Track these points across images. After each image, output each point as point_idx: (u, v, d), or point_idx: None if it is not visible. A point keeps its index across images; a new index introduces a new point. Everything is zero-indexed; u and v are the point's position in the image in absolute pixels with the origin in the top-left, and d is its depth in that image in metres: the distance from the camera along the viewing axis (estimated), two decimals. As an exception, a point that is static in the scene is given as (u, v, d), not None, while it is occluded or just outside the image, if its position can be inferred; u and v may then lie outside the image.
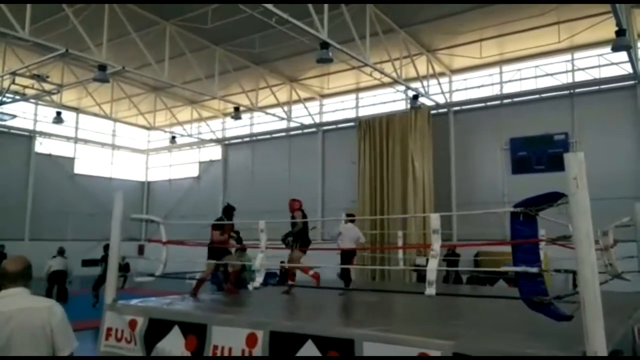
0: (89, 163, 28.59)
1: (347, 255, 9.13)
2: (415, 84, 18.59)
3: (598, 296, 3.50)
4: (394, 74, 16.90)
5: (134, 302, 6.52)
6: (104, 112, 23.95)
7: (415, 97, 18.68)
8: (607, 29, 14.08)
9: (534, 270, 4.05)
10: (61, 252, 15.59)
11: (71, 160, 27.74)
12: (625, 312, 6.09)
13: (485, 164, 19.29)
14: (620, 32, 12.79)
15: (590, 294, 3.48)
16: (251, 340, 5.03)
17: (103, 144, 29.33)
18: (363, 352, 4.36)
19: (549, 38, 16.77)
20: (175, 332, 5.62)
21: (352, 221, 9.84)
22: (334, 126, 23.71)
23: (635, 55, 15.87)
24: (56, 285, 14.98)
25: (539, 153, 17.95)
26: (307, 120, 23.95)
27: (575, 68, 18.13)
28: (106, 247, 13.60)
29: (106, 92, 22.67)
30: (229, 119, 26.12)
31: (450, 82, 20.66)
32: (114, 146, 29.88)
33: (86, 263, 18.31)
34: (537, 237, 4.42)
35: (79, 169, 27.98)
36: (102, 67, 15.53)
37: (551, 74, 18.46)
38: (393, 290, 8.92)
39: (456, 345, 4.00)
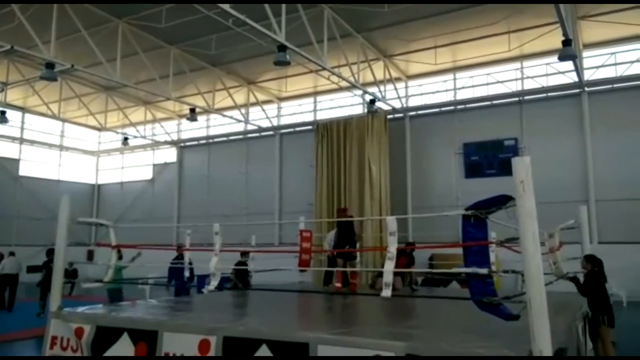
0: (35, 165, 27.42)
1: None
2: (372, 89, 18.82)
3: (544, 296, 3.61)
4: (351, 79, 17.04)
5: (80, 309, 6.26)
6: (51, 111, 22.98)
7: (372, 102, 18.91)
8: (554, 38, 14.69)
9: (484, 271, 4.14)
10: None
11: (16, 161, 26.53)
12: (569, 312, 6.34)
13: (440, 168, 19.75)
14: (567, 42, 13.34)
15: (536, 294, 3.59)
16: (204, 346, 4.91)
17: (50, 145, 28.19)
18: (317, 355, 4.34)
19: (499, 47, 17.35)
20: (124, 339, 5.43)
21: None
22: (291, 129, 23.67)
23: (581, 64, 16.65)
24: (8, 289, 14.45)
25: (490, 157, 18.54)
26: (265, 123, 23.81)
27: (524, 76, 18.85)
28: (49, 252, 12.99)
29: (54, 91, 21.80)
30: (184, 121, 25.60)
31: (407, 87, 21.04)
32: (62, 147, 28.77)
33: (31, 269, 17.56)
34: (487, 239, 4.52)
35: (24, 170, 26.78)
36: (50, 65, 14.91)
37: (501, 82, 19.12)
38: (350, 293, 8.95)
39: (409, 346, 4.05)
